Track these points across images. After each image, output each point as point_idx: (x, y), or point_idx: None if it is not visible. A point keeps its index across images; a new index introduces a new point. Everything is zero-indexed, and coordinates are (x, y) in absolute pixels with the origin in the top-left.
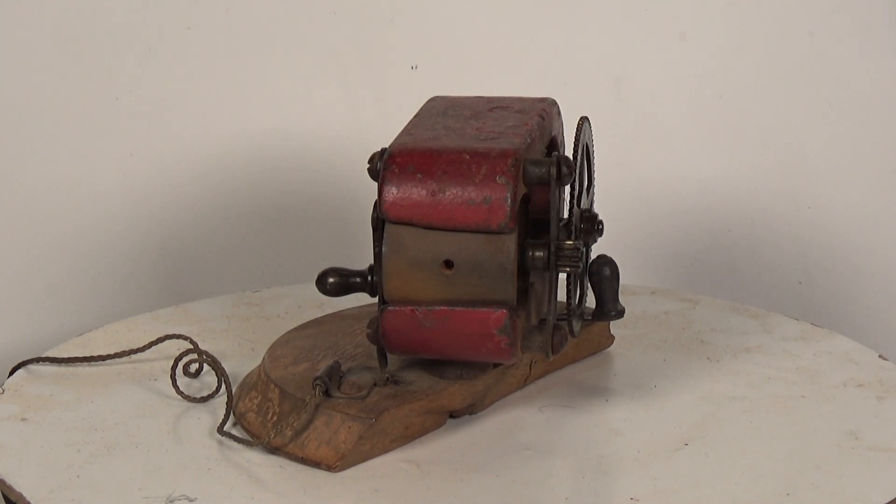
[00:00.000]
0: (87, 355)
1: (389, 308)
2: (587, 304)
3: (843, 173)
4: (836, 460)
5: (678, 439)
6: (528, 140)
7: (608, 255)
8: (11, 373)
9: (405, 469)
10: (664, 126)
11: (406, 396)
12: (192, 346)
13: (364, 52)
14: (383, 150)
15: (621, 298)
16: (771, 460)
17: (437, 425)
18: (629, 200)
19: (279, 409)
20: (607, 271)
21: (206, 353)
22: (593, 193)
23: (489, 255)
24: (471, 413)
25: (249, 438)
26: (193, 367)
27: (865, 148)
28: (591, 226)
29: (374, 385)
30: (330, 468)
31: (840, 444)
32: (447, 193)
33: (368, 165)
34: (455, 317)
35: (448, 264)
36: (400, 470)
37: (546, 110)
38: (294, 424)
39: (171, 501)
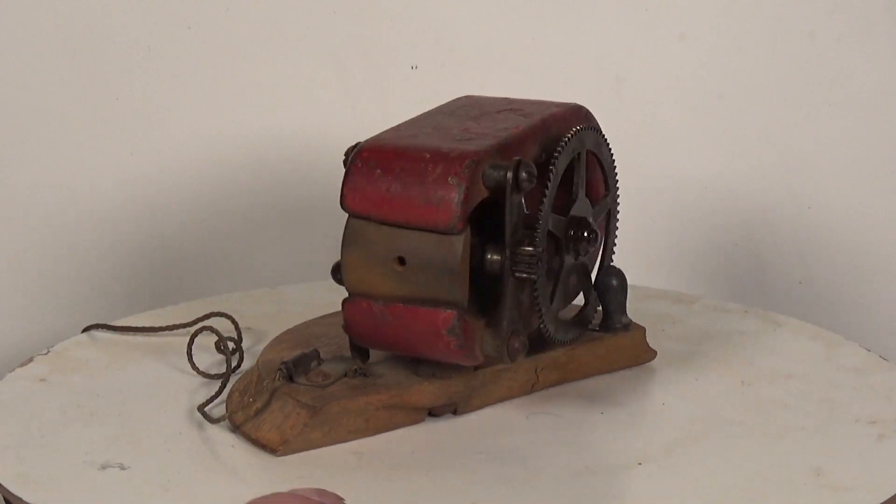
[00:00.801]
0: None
1: (349, 300)
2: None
3: (843, 173)
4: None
5: (646, 455)
6: (506, 143)
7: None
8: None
9: (344, 460)
10: (664, 126)
11: (367, 389)
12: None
13: (364, 52)
14: (357, 145)
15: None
16: (737, 482)
17: (411, 422)
18: (629, 200)
19: (255, 390)
20: (613, 282)
21: (232, 336)
22: (610, 203)
23: (439, 254)
24: (454, 413)
25: (220, 417)
26: (230, 346)
27: (865, 148)
28: (580, 234)
29: (344, 375)
30: (273, 451)
31: (806, 482)
32: (401, 191)
33: (343, 158)
34: (408, 314)
35: (401, 261)
36: (339, 460)
37: (560, 115)
38: (257, 406)
39: (103, 468)
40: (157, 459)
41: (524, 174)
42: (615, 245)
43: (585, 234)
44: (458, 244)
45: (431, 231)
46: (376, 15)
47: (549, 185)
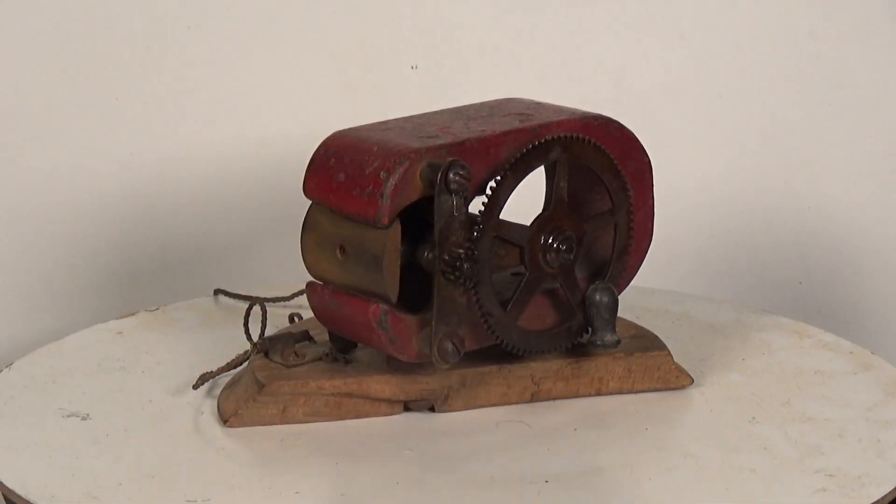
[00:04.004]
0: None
1: (310, 283)
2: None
3: (843, 173)
4: None
5: (556, 475)
6: (467, 144)
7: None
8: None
9: (276, 440)
10: (664, 126)
11: (328, 374)
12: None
13: (364, 52)
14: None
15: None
16: None
17: (382, 413)
18: None
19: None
20: (597, 298)
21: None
22: (618, 219)
23: (369, 247)
24: (431, 410)
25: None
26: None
27: (865, 148)
28: (547, 243)
29: (319, 359)
30: (224, 422)
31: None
32: (344, 181)
33: None
34: (348, 303)
35: (342, 250)
36: (271, 439)
37: (564, 124)
38: (234, 377)
39: (66, 416)
40: (120, 415)
41: (453, 175)
42: (627, 264)
43: (554, 245)
44: (385, 238)
45: (365, 223)
46: (376, 15)
47: (495, 190)
